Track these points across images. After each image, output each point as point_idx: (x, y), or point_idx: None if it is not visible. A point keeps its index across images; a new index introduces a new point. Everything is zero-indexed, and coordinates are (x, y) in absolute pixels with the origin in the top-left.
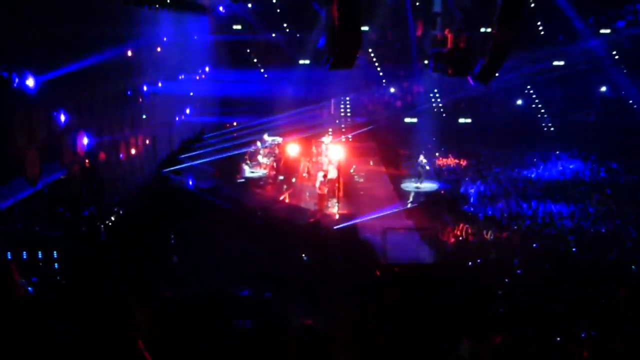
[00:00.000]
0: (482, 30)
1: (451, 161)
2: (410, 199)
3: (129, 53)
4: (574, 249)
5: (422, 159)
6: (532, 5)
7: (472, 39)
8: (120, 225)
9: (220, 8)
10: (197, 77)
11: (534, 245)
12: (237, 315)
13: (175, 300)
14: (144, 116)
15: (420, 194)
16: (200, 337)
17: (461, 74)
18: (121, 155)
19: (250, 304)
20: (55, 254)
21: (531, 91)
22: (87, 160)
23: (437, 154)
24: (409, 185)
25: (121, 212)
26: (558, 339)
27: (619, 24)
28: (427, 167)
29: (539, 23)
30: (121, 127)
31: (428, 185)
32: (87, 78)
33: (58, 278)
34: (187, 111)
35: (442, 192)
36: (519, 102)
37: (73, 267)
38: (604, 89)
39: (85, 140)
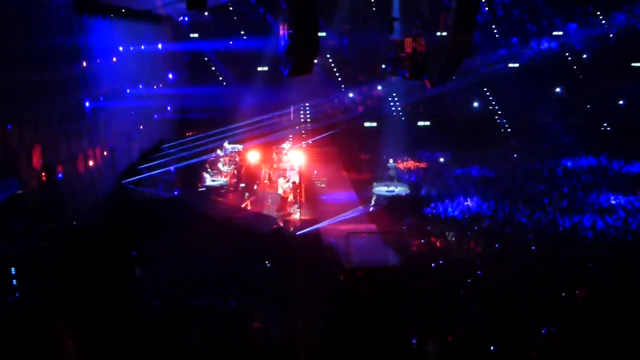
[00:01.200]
0: (438, 34)
1: (411, 164)
2: (373, 203)
3: (85, 64)
4: (533, 247)
5: (392, 162)
6: (487, 8)
7: (429, 43)
8: (81, 239)
9: (177, 17)
10: (155, 87)
11: (496, 245)
12: (200, 326)
13: (137, 312)
14: (102, 128)
15: (381, 197)
16: (158, 349)
17: (418, 78)
18: (79, 169)
19: (215, 313)
20: (13, 271)
21: (487, 93)
22: (44, 175)
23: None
24: (381, 190)
25: (81, 225)
26: (518, 336)
27: (571, 26)
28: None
29: (493, 26)
30: (79, 140)
31: (400, 189)
32: (42, 91)
33: (17, 295)
34: (145, 123)
35: (404, 195)
36: (476, 104)
37: (32, 283)
38: (558, 89)
39: (42, 155)
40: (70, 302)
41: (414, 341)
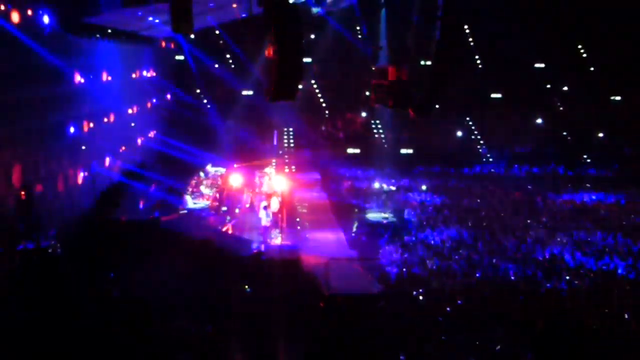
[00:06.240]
0: (422, 63)
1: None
2: (354, 229)
3: (69, 84)
4: (512, 277)
5: (386, 188)
6: (470, 39)
7: (412, 72)
8: (58, 259)
9: (164, 39)
10: (140, 110)
11: (477, 274)
12: (175, 349)
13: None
14: (83, 148)
15: (363, 224)
16: None
17: (401, 106)
18: (59, 188)
19: (190, 337)
20: None
21: (470, 122)
22: (23, 193)
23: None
24: (377, 216)
25: (59, 245)
26: None
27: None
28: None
29: (477, 56)
30: (59, 159)
31: (391, 215)
32: (24, 109)
33: None
34: (127, 145)
35: (385, 221)
36: (459, 133)
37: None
38: (539, 120)
39: (21, 173)
40: (47, 323)
41: None
